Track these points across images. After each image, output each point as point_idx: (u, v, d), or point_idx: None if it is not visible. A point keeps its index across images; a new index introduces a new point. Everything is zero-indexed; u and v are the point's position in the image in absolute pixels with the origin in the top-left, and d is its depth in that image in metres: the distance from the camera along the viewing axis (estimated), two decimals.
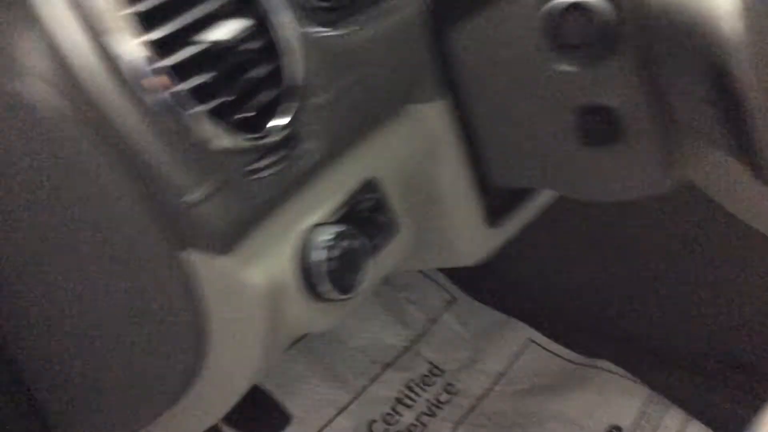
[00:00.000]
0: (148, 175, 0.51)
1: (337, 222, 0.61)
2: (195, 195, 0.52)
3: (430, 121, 0.71)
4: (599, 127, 0.64)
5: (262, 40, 0.56)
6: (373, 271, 0.65)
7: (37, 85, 0.49)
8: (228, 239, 0.56)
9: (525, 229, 0.86)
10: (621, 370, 1.24)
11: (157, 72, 0.50)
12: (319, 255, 0.59)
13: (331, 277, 0.59)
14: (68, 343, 0.63)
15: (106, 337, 0.61)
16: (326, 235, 0.59)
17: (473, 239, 0.78)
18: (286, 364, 1.24)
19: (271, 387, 1.17)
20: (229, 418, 0.94)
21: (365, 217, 0.64)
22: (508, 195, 0.79)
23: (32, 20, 0.49)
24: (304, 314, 0.61)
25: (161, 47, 0.51)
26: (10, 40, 0.49)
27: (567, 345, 1.29)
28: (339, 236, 0.60)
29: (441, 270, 1.43)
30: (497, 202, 0.80)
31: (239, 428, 0.93)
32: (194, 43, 0.53)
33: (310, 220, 0.61)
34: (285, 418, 0.94)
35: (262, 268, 0.57)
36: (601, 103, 0.64)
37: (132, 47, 0.49)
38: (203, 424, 0.68)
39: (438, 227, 0.77)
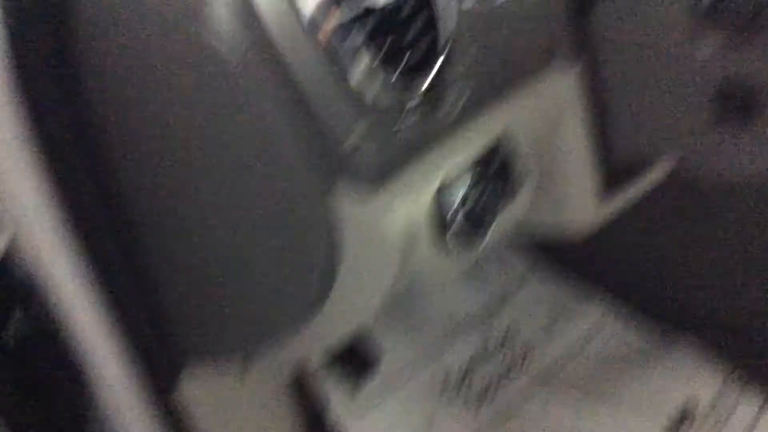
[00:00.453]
0: (312, 116, 0.55)
1: (470, 176, 0.64)
2: (351, 139, 0.56)
3: (563, 87, 0.72)
4: (737, 104, 0.65)
5: (418, 5, 0.59)
6: (499, 224, 0.68)
7: (221, 30, 0.52)
8: (372, 184, 0.59)
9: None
10: (700, 350, 1.24)
11: (325, 28, 0.54)
12: (453, 204, 0.62)
13: (462, 225, 0.62)
14: (217, 262, 0.68)
15: (254, 257, 0.66)
16: (459, 187, 0.62)
17: (586, 209, 0.80)
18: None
19: None
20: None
21: (496, 174, 0.66)
22: (623, 169, 0.80)
23: None
24: (432, 261, 0.64)
25: (334, 4, 0.55)
26: None
27: (647, 320, 1.30)
28: (470, 189, 0.62)
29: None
30: (613, 175, 0.81)
31: (331, 366, 0.97)
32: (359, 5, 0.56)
33: (446, 172, 0.63)
34: (374, 360, 0.98)
35: (400, 215, 0.61)
36: (742, 79, 0.64)
37: (311, 3, 0.53)
38: (321, 351, 0.72)
39: (554, 194, 0.78)
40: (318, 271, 0.63)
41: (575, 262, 1.39)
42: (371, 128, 0.57)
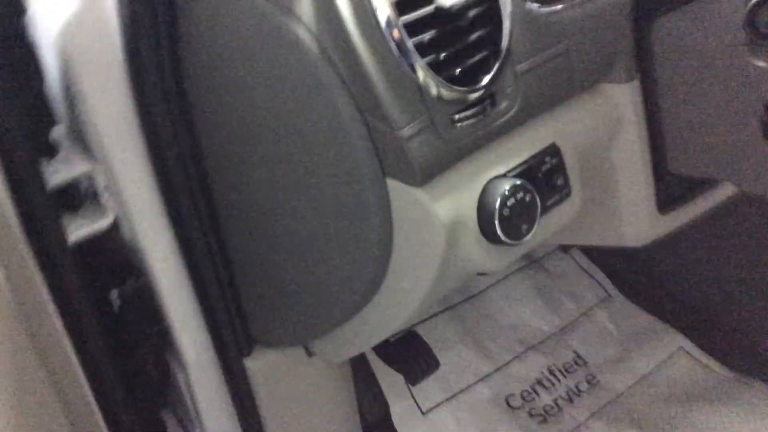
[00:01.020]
0: (373, 106, 0.61)
1: (517, 176, 0.68)
2: (406, 130, 0.61)
3: (619, 100, 0.75)
4: None
5: (483, 8, 0.64)
6: (541, 226, 0.71)
7: (306, 22, 0.60)
8: (426, 174, 0.64)
9: (693, 229, 0.88)
10: None
11: (396, 26, 0.60)
12: (496, 202, 0.65)
13: (503, 222, 0.65)
14: (277, 245, 0.74)
15: (310, 239, 0.71)
16: (506, 185, 0.66)
17: (641, 221, 0.81)
18: (438, 329, 1.31)
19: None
20: (385, 355, 1.03)
21: (543, 177, 0.70)
22: (684, 185, 0.82)
23: None
24: (476, 252, 0.68)
25: (403, 5, 0.61)
26: None
27: (719, 358, 1.27)
28: (516, 189, 0.66)
29: (600, 267, 1.45)
30: (671, 190, 0.82)
31: (392, 364, 1.01)
32: (428, 5, 0.62)
33: (495, 170, 0.68)
34: (435, 363, 1.01)
35: (449, 205, 0.65)
36: None
37: (383, 3, 0.59)
38: (376, 336, 0.77)
39: (608, 203, 0.81)
40: (373, 253, 0.68)
41: (647, 296, 1.37)
42: (430, 120, 0.62)
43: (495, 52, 0.65)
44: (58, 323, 0.70)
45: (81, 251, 0.75)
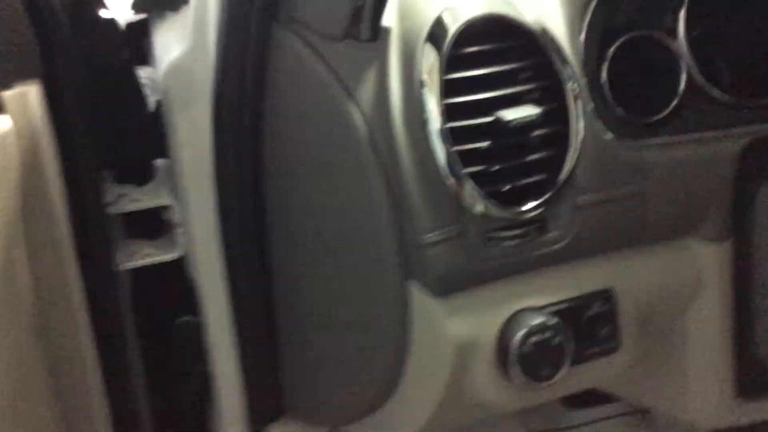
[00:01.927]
0: (403, 205, 0.59)
1: (554, 314, 0.62)
2: (431, 236, 0.59)
3: (703, 260, 0.67)
4: None
5: (548, 129, 0.61)
6: (574, 376, 0.64)
7: (359, 107, 0.60)
8: (446, 285, 0.61)
9: None
10: None
11: (441, 128, 0.58)
12: (518, 335, 0.60)
13: (521, 360, 0.60)
14: (312, 321, 0.73)
15: (336, 323, 0.70)
16: (534, 320, 0.61)
17: (711, 402, 0.71)
18: None
19: None
20: None
21: (586, 323, 0.63)
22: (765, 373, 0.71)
23: (378, 66, 0.60)
24: (488, 384, 0.63)
25: (461, 110, 0.59)
26: (357, 76, 0.61)
27: None
28: (545, 327, 0.60)
29: None
30: (758, 375, 0.72)
31: None
32: (486, 115, 0.60)
33: (530, 301, 0.63)
34: None
35: (465, 325, 0.61)
36: None
37: (434, 104, 0.58)
38: None
39: (676, 373, 0.72)
40: (388, 351, 0.66)
41: None
42: (461, 232, 0.59)
43: (554, 177, 0.60)
44: (86, 340, 0.73)
45: (149, 277, 0.79)
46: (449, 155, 0.58)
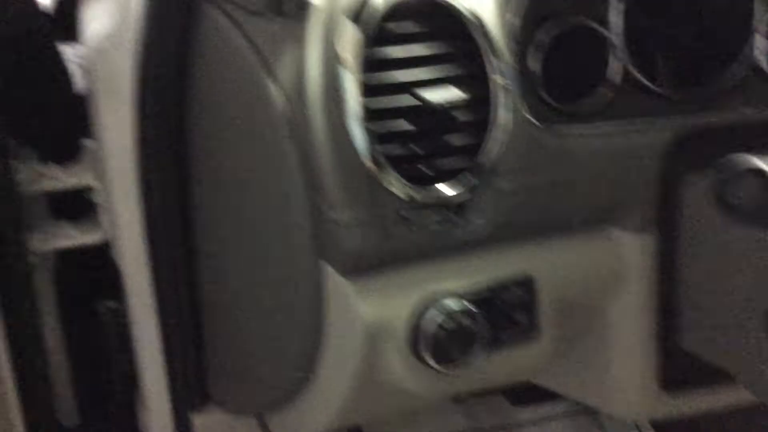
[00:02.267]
0: (317, 183, 0.58)
1: (470, 300, 0.61)
2: (346, 215, 0.57)
3: (626, 251, 0.66)
4: None
5: (473, 114, 0.59)
6: (493, 365, 0.63)
7: (278, 82, 0.58)
8: (359, 265, 0.59)
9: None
10: None
11: (357, 105, 0.56)
12: (432, 320, 0.59)
13: (432, 345, 0.59)
14: (232, 306, 0.72)
15: (253, 305, 0.69)
16: (449, 306, 0.59)
17: (637, 394, 0.70)
18: None
19: None
20: None
21: (504, 309, 0.62)
22: (689, 368, 0.70)
23: (298, 41, 0.58)
24: (403, 370, 0.61)
25: (382, 90, 0.57)
26: (278, 51, 0.59)
27: None
28: (458, 312, 0.59)
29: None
30: (683, 368, 0.71)
31: None
32: (408, 94, 0.58)
33: (445, 285, 0.61)
34: None
35: (377, 307, 0.60)
36: None
37: (352, 81, 0.56)
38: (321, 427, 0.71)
39: (599, 365, 0.71)
40: (302, 333, 0.64)
41: None
42: (367, 213, 0.58)
43: (476, 162, 0.59)
44: None
45: (75, 261, 0.77)
46: (367, 135, 0.56)
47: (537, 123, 0.61)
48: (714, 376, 0.72)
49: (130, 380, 0.88)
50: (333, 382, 0.65)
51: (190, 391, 0.80)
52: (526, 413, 1.28)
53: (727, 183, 0.47)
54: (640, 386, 0.69)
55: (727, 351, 0.62)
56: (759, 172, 0.48)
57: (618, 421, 1.31)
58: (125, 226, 0.74)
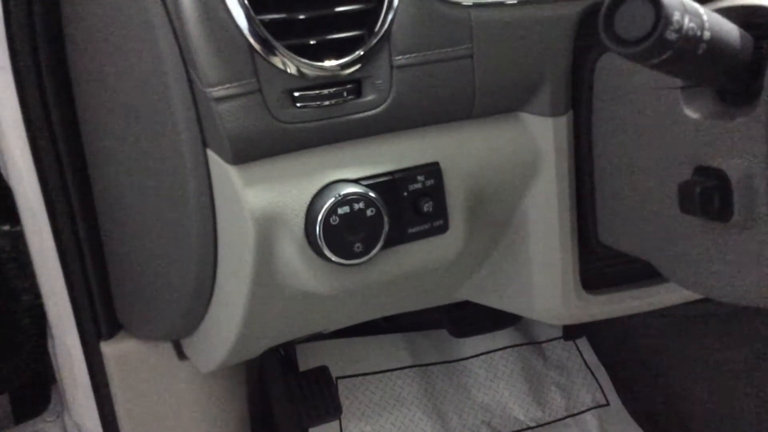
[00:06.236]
0: (192, 59, 0.52)
1: (370, 186, 0.57)
2: (220, 89, 0.52)
3: (539, 136, 0.62)
4: (713, 196, 0.51)
5: None
6: (400, 257, 0.59)
7: None
8: (241, 150, 0.54)
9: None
10: None
11: None
12: (325, 206, 0.55)
13: (327, 233, 0.55)
14: (129, 230, 0.67)
15: (145, 221, 0.64)
16: (342, 191, 0.55)
17: (559, 295, 0.67)
18: (396, 384, 1.18)
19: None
20: (288, 386, 0.92)
21: (408, 198, 0.58)
22: (627, 267, 0.67)
23: None
24: (299, 264, 0.57)
25: None
26: None
27: None
28: (354, 198, 0.55)
29: (607, 366, 1.26)
30: (605, 267, 0.68)
31: (293, 398, 0.90)
32: None
33: (344, 173, 0.57)
34: (336, 409, 0.89)
35: (268, 197, 0.55)
36: (718, 166, 0.50)
37: None
38: (234, 350, 0.67)
39: (519, 267, 0.67)
40: (195, 238, 0.59)
41: (651, 411, 1.18)
42: (246, 87, 0.52)
43: (369, 34, 0.55)
44: None
45: None
46: (244, 1, 0.51)
47: None
48: (638, 275, 0.69)
49: (36, 309, 0.83)
50: (232, 288, 0.61)
51: (97, 319, 0.76)
52: (469, 347, 1.25)
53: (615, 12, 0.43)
54: (561, 286, 0.66)
55: (644, 237, 0.59)
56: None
57: (562, 352, 1.30)
58: (13, 148, 0.69)
